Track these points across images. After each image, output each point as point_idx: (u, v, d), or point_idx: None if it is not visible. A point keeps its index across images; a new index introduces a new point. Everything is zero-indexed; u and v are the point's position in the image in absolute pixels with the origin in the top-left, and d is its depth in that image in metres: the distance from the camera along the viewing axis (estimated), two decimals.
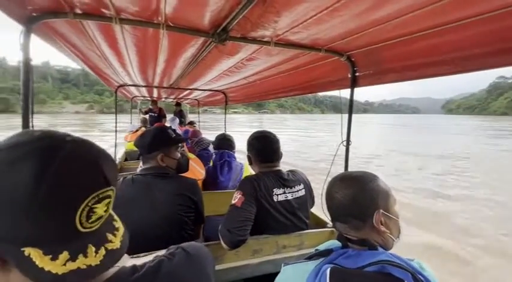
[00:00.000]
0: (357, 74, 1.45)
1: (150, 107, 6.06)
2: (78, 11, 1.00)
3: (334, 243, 0.68)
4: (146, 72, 2.27)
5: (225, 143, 2.07)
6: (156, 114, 5.87)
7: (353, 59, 1.41)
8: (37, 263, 0.33)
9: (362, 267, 0.53)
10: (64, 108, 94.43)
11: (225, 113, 4.07)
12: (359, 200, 0.62)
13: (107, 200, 0.39)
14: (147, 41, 1.34)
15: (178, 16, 1.01)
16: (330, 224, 1.44)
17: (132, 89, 3.96)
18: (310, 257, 0.65)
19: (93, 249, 0.37)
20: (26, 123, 1.09)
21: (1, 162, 0.33)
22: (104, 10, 0.98)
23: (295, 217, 1.23)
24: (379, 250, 0.58)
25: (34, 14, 0.99)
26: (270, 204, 1.16)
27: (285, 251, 1.22)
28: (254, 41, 1.23)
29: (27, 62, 1.04)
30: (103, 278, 0.41)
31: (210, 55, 1.51)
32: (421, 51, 1.10)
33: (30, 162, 0.33)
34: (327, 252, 0.62)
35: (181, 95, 5.06)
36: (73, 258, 0.35)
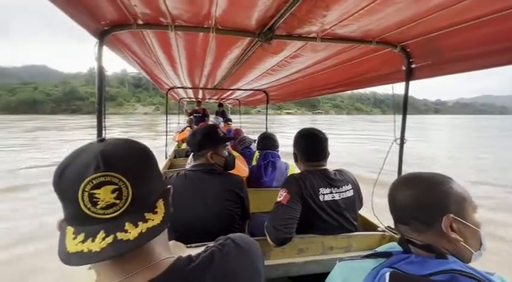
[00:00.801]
0: (413, 65, 1.33)
1: (196, 107, 6.41)
2: (140, 22, 1.10)
3: (394, 246, 0.63)
4: (194, 74, 2.40)
5: (268, 142, 2.08)
6: (200, 115, 6.18)
7: (408, 50, 1.30)
8: (66, 241, 0.40)
9: (428, 275, 0.48)
10: (136, 110, 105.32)
11: (266, 113, 4.10)
12: (424, 201, 0.56)
13: (109, 187, 0.40)
14: (197, 45, 1.42)
15: (227, 19, 1.05)
16: (381, 227, 1.35)
17: (180, 91, 4.25)
18: (367, 256, 0.61)
19: (103, 235, 0.39)
20: (99, 123, 1.24)
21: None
22: (161, 19, 1.06)
23: (343, 218, 1.18)
24: (449, 259, 0.52)
25: (106, 28, 1.11)
26: (316, 204, 1.14)
27: (331, 252, 1.19)
28: (300, 37, 1.21)
29: (100, 70, 1.17)
30: (163, 267, 0.43)
31: (254, 55, 1.54)
32: (485, 37, 0.97)
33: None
34: (386, 255, 0.58)
35: (223, 96, 5.26)
36: (85, 240, 0.39)
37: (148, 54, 1.67)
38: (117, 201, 0.40)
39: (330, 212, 1.16)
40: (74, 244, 0.39)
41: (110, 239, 0.38)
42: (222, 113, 6.71)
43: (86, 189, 0.39)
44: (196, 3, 0.92)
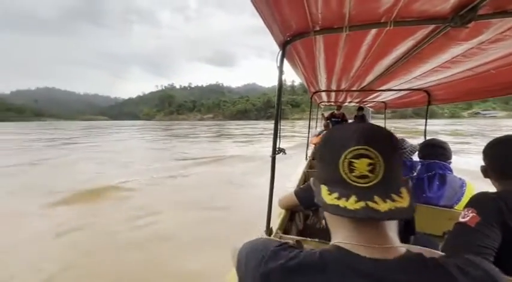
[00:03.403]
0: None
1: (335, 111, 6.32)
2: (317, 28, 1.11)
3: None
4: (344, 75, 2.34)
5: (434, 151, 1.70)
6: (339, 119, 6.03)
7: None
8: (322, 194, 0.49)
9: None
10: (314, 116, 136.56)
11: (426, 116, 3.42)
12: None
13: (365, 160, 0.46)
14: (363, 44, 1.36)
15: (412, 8, 0.96)
16: None
17: (323, 94, 4.29)
18: None
19: (355, 199, 0.45)
20: (276, 126, 1.38)
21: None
22: (338, 21, 1.06)
23: None
24: None
25: (288, 39, 1.18)
26: None
27: None
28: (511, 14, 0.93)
29: (281, 80, 1.29)
30: (397, 253, 0.46)
31: (431, 46, 1.33)
32: None
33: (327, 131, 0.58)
34: None
35: (366, 98, 4.87)
36: (338, 197, 0.46)
37: (310, 59, 1.73)
38: (370, 175, 0.46)
39: None
40: (330, 198, 0.47)
41: (362, 203, 0.44)
42: (361, 117, 6.27)
43: (347, 158, 0.47)
44: None
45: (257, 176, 6.61)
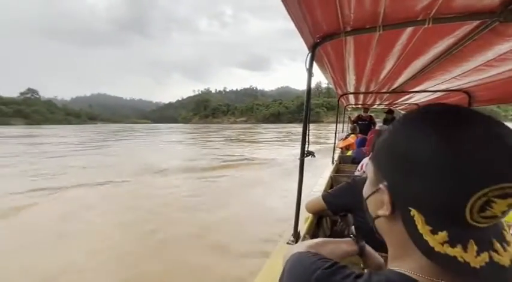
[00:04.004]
0: None
1: (363, 114, 6.12)
2: (348, 29, 1.08)
3: None
4: (373, 77, 2.27)
5: None
6: (366, 122, 5.83)
7: None
8: (418, 227, 0.34)
9: None
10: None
11: None
12: None
13: (511, 200, 0.31)
14: (397, 43, 1.30)
15: (455, 3, 0.91)
16: None
17: (350, 97, 4.19)
18: None
19: (475, 248, 0.32)
20: (304, 129, 1.36)
21: (413, 127, 0.36)
22: (371, 21, 1.02)
23: None
24: None
25: (317, 41, 1.15)
26: None
27: None
28: None
29: (309, 82, 1.27)
30: None
31: (475, 43, 1.28)
32: None
33: (438, 127, 0.34)
34: None
35: (397, 101, 4.66)
36: (451, 243, 0.32)
37: (340, 61, 1.68)
38: (500, 215, 0.32)
39: None
40: (436, 241, 0.33)
41: (485, 256, 0.32)
42: (391, 120, 5.97)
43: (489, 195, 0.30)
44: None
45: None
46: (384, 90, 2.94)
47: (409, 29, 1.10)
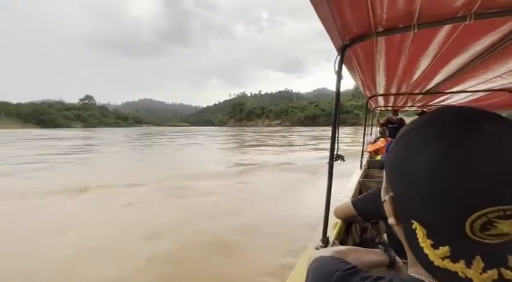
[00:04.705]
0: None
1: (392, 117, 5.77)
2: (380, 29, 1.03)
3: None
4: (405, 78, 2.14)
5: None
6: (396, 125, 5.48)
7: None
8: (419, 240, 0.34)
9: None
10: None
11: None
12: None
13: None
14: (432, 42, 1.24)
15: None
16: None
17: (380, 99, 3.97)
18: None
19: (481, 265, 0.30)
20: (333, 133, 1.33)
21: (414, 140, 0.35)
22: (404, 20, 0.97)
23: None
24: None
25: (347, 43, 1.12)
26: None
27: None
28: None
29: (339, 85, 1.24)
30: None
31: None
32: None
33: (438, 143, 0.32)
34: None
35: (431, 102, 4.31)
36: (453, 258, 0.31)
37: (369, 62, 1.62)
38: (511, 233, 0.30)
39: None
40: (437, 256, 0.32)
41: (493, 273, 0.30)
42: None
43: (489, 216, 0.28)
44: None
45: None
46: (416, 91, 2.74)
47: (446, 27, 1.02)
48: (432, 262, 0.32)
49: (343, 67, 1.33)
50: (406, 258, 0.42)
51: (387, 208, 0.40)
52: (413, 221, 0.34)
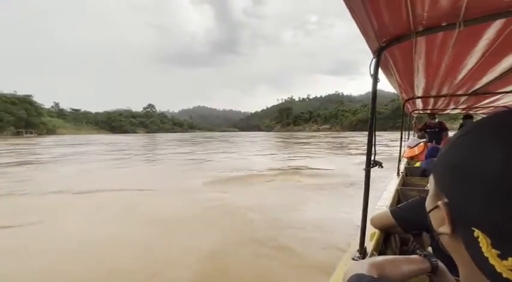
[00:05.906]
0: None
1: (432, 121, 5.32)
2: (420, 29, 0.97)
3: None
4: (447, 79, 2.02)
5: None
6: (436, 129, 5.05)
7: None
8: (483, 250, 0.30)
9: None
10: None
11: None
12: None
13: None
14: (481, 39, 1.15)
15: None
16: None
17: (418, 101, 3.71)
18: None
19: None
20: (370, 138, 1.25)
21: (482, 139, 0.32)
22: (448, 18, 0.91)
23: None
24: None
25: (383, 45, 1.07)
26: None
27: None
28: None
29: (375, 89, 1.18)
30: None
31: None
32: None
33: (502, 143, 0.29)
34: None
35: (478, 104, 3.89)
36: None
37: (408, 64, 1.54)
38: None
39: None
40: (505, 267, 0.29)
41: None
42: None
43: None
44: None
45: None
46: (460, 92, 2.57)
47: (497, 22, 0.94)
48: (500, 274, 0.29)
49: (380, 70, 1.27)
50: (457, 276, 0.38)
51: (438, 216, 0.36)
52: (474, 229, 0.30)
